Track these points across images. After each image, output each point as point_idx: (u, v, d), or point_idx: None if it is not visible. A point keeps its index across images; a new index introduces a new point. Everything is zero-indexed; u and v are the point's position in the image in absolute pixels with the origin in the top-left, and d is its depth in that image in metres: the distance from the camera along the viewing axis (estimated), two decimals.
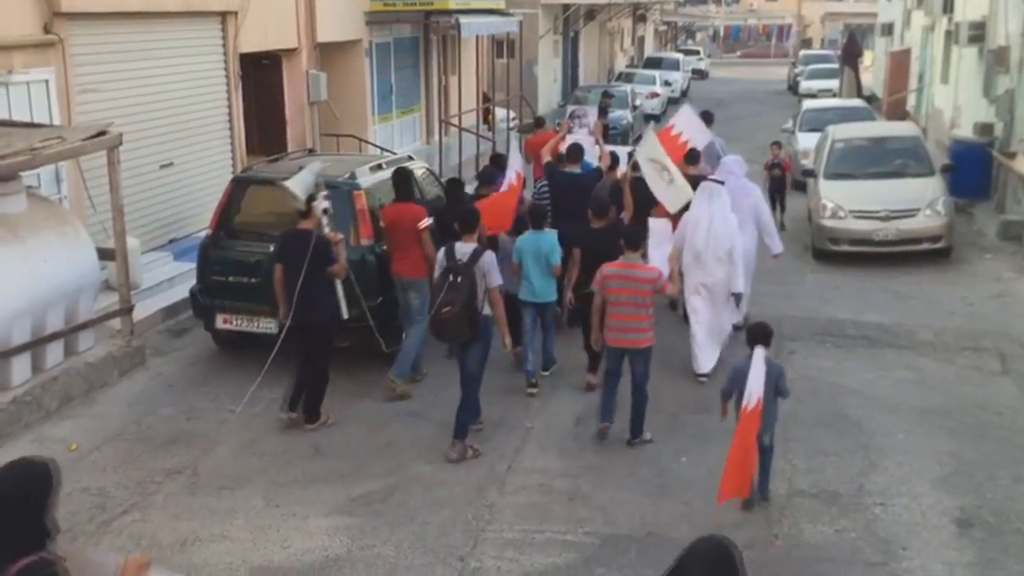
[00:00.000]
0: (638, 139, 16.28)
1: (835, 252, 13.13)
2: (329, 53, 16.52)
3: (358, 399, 8.43)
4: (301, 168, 9.18)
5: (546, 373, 9.03)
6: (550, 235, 8.79)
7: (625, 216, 9.58)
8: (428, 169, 11.13)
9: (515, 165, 10.16)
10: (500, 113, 22.83)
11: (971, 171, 15.48)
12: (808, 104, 21.92)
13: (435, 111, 20.60)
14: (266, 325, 8.88)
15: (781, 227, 14.47)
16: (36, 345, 8.20)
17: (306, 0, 15.40)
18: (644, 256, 7.80)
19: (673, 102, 33.71)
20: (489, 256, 7.37)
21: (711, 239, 8.96)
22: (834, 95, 27.79)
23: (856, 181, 13.70)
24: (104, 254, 9.13)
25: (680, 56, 43.03)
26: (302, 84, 15.59)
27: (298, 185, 7.97)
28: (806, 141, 17.68)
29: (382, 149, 15.44)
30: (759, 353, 6.31)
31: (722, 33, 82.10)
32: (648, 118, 27.50)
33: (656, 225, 9.57)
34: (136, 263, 10.21)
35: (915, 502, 6.72)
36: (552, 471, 7.24)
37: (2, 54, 9.57)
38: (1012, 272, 12.36)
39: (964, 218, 14.71)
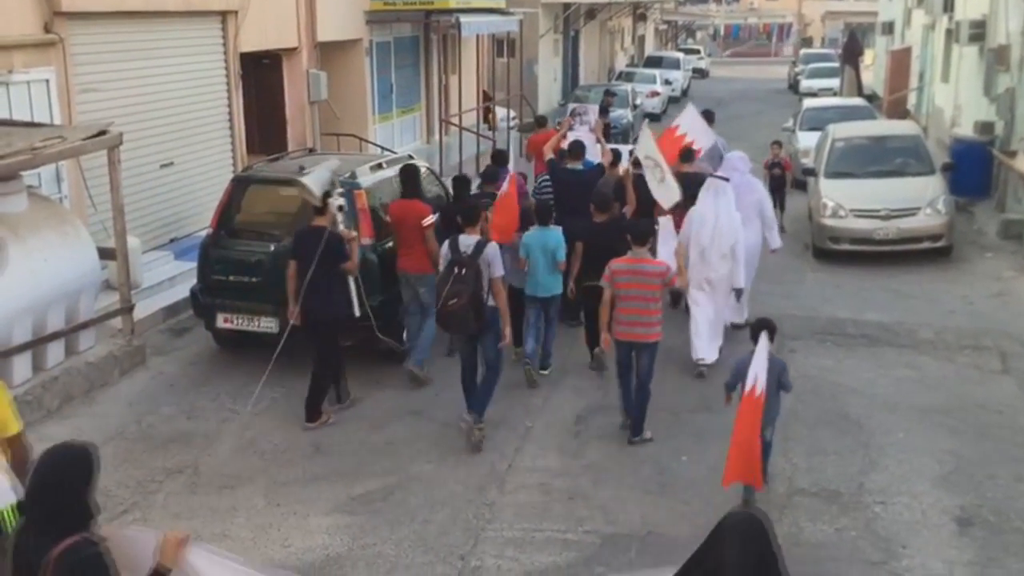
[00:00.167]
0: (638, 138, 16.29)
1: (835, 251, 13.13)
2: (329, 52, 16.52)
3: (355, 402, 8.43)
4: (302, 168, 9.21)
5: (545, 372, 9.06)
6: (556, 231, 8.91)
7: (628, 211, 9.64)
8: (428, 168, 11.14)
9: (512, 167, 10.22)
10: (500, 112, 22.83)
11: (971, 170, 15.47)
12: (808, 103, 21.90)
13: (435, 110, 20.60)
14: (266, 324, 8.90)
15: (780, 228, 14.49)
16: (37, 344, 8.21)
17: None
18: (652, 251, 7.83)
19: (674, 101, 33.73)
20: (492, 248, 7.54)
21: (716, 235, 9.06)
22: (835, 94, 27.81)
23: (857, 180, 13.70)
24: (105, 253, 9.14)
25: (680, 55, 42.99)
26: (302, 83, 15.59)
27: (315, 182, 8.03)
28: (806, 140, 17.67)
29: (382, 148, 15.44)
30: (764, 340, 6.37)
31: (722, 32, 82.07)
32: (648, 117, 27.58)
33: (661, 222, 9.65)
34: (137, 262, 10.22)
35: (915, 501, 6.73)
36: (552, 470, 7.25)
37: (3, 54, 9.57)
38: (1012, 271, 12.36)
39: (964, 217, 14.71)
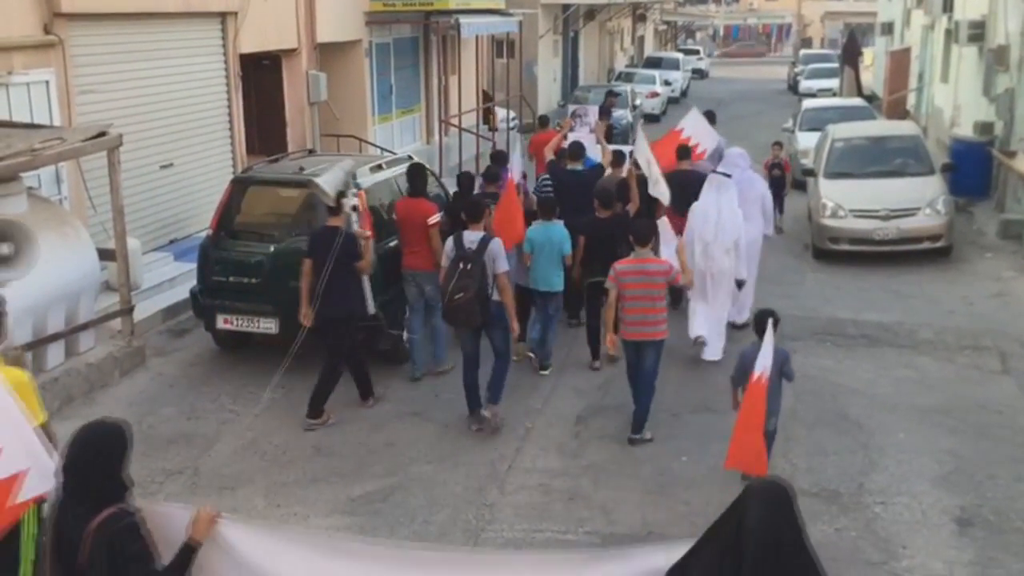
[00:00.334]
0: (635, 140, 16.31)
1: (835, 251, 13.12)
2: (329, 53, 16.53)
3: (357, 400, 8.43)
4: (302, 169, 9.27)
5: (545, 373, 9.10)
6: (560, 226, 8.98)
7: (631, 209, 9.73)
8: (428, 169, 11.14)
9: (516, 168, 10.34)
10: (500, 113, 22.84)
11: (971, 170, 15.47)
12: (808, 103, 21.90)
13: (435, 111, 20.61)
14: (266, 325, 8.90)
15: (779, 230, 14.52)
16: (37, 345, 8.22)
17: (306, 1, 15.41)
18: (655, 251, 7.93)
19: (673, 102, 33.73)
20: (496, 243, 7.66)
21: (719, 231, 9.25)
22: (834, 94, 27.80)
23: (856, 180, 13.70)
24: (105, 255, 9.15)
25: (680, 56, 43.02)
26: (302, 84, 15.59)
27: (328, 183, 8.09)
28: (806, 140, 17.67)
29: (382, 149, 15.44)
30: (770, 329, 6.39)
31: (722, 32, 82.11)
32: (643, 119, 27.58)
33: (660, 223, 9.69)
34: (137, 264, 10.22)
35: (915, 501, 6.73)
36: (552, 470, 7.25)
37: (2, 55, 9.58)
38: (1012, 271, 12.36)
39: (964, 217, 14.71)
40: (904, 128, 16.42)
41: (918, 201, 12.94)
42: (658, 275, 7.60)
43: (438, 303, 8.44)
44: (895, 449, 7.52)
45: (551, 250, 8.90)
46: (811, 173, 14.68)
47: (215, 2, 12.99)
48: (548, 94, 30.27)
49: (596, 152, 11.59)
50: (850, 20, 64.27)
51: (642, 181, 10.21)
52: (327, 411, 8.05)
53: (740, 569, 3.30)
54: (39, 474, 3.87)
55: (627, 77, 32.25)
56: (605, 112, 18.05)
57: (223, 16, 13.25)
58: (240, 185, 9.50)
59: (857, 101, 21.56)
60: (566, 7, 31.25)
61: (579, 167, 10.64)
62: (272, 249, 8.90)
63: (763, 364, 6.15)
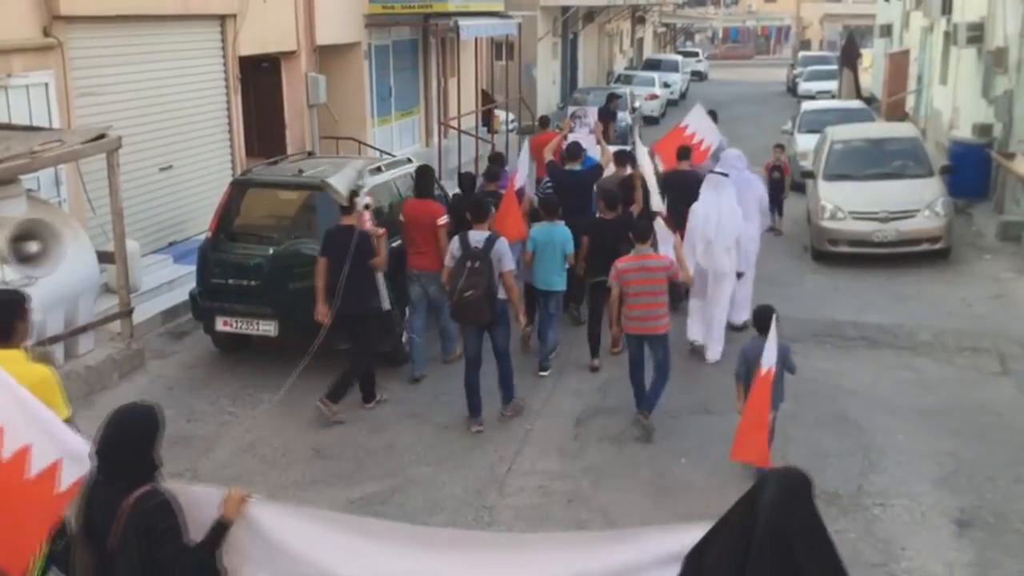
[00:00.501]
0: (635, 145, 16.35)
1: (834, 253, 13.13)
2: (328, 56, 16.54)
3: (358, 401, 8.43)
4: (301, 171, 9.29)
5: (544, 374, 9.14)
6: (562, 227, 9.10)
7: (635, 210, 9.84)
8: None
9: (521, 171, 10.55)
10: (500, 115, 22.84)
11: (970, 172, 15.47)
12: (807, 105, 21.91)
13: (434, 113, 20.62)
14: (265, 328, 8.90)
15: (778, 232, 14.55)
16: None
17: (305, 3, 15.42)
18: (654, 247, 8.18)
19: (672, 104, 33.74)
20: (502, 242, 7.83)
21: (720, 229, 9.42)
22: (833, 96, 27.80)
23: (855, 182, 13.70)
24: (104, 257, 9.14)
25: (679, 58, 43.04)
26: (301, 87, 15.60)
27: (341, 182, 8.22)
28: (805, 142, 17.67)
29: (381, 151, 15.45)
30: (774, 323, 6.58)
31: (721, 35, 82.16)
32: (645, 120, 27.61)
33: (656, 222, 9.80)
34: (136, 266, 10.22)
35: (915, 502, 6.73)
36: (552, 473, 7.25)
37: (2, 57, 9.58)
38: (1011, 273, 12.36)
39: (963, 219, 14.72)
40: (903, 130, 16.42)
41: (917, 203, 12.94)
42: (659, 271, 7.79)
43: (444, 303, 8.58)
44: (894, 451, 7.52)
45: (553, 250, 9.02)
46: (810, 175, 14.68)
47: (214, 4, 13.00)
48: (547, 96, 30.27)
49: (596, 152, 11.70)
50: (849, 22, 64.32)
51: (642, 182, 10.38)
52: (337, 409, 8.09)
53: (748, 552, 3.35)
54: (73, 461, 3.98)
55: (626, 79, 32.23)
56: (609, 114, 18.17)
57: (222, 19, 13.26)
58: (239, 187, 9.50)
59: (856, 103, 21.58)
60: (565, 9, 31.27)
61: (577, 167, 10.75)
62: (271, 251, 8.90)
63: (769, 360, 6.32)
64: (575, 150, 10.89)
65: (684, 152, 11.18)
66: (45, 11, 10.06)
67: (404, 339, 9.12)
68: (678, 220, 9.76)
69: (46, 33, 10.12)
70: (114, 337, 9.33)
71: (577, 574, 3.77)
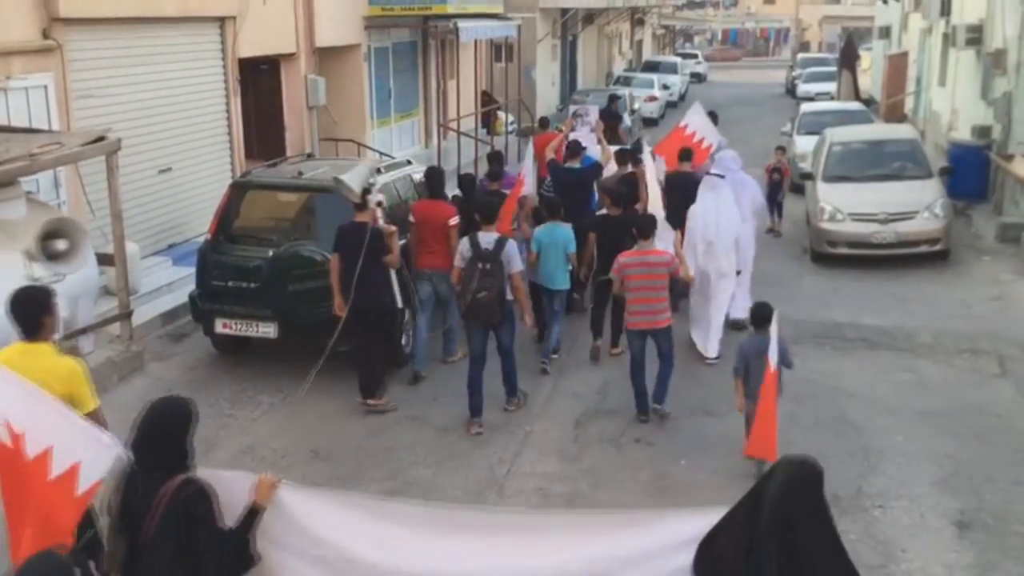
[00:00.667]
0: (636, 141, 16.39)
1: (833, 255, 13.13)
2: (328, 58, 16.54)
3: (358, 404, 8.43)
4: (301, 173, 9.31)
5: (553, 356, 9.40)
6: (565, 227, 9.28)
7: (640, 207, 10.01)
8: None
9: (528, 175, 10.73)
10: (500, 116, 22.85)
11: (969, 174, 15.46)
12: (806, 107, 21.93)
13: (434, 115, 20.62)
14: (265, 330, 8.90)
15: (777, 234, 14.56)
16: None
17: (305, 5, 15.43)
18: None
19: (671, 106, 33.74)
20: (512, 244, 7.99)
21: (719, 230, 9.61)
22: (832, 98, 27.82)
23: (854, 184, 13.70)
24: (103, 259, 9.14)
25: (678, 59, 43.06)
26: (301, 89, 15.61)
27: (353, 180, 8.32)
28: (804, 144, 17.68)
29: (380, 153, 15.46)
30: (776, 320, 6.73)
31: (720, 36, 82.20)
32: (644, 122, 27.62)
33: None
34: (135, 268, 10.22)
35: (914, 504, 6.73)
36: (551, 475, 7.25)
37: (1, 60, 9.58)
38: (1010, 274, 12.36)
39: (962, 220, 14.72)
40: (902, 132, 16.44)
41: (916, 205, 12.95)
42: (660, 266, 7.99)
43: (452, 302, 8.84)
44: (894, 452, 7.52)
45: (556, 250, 9.18)
46: (809, 177, 14.69)
47: (214, 6, 13.01)
48: (547, 98, 30.26)
49: (597, 151, 11.95)
50: (848, 24, 64.31)
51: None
52: (384, 398, 8.36)
53: (753, 542, 3.44)
54: (93, 462, 4.06)
55: (625, 81, 32.26)
56: (614, 115, 18.35)
57: (222, 20, 13.27)
58: (239, 189, 9.50)
59: (855, 105, 21.59)
60: (564, 11, 31.27)
61: (576, 165, 11.04)
62: (271, 253, 8.90)
63: (774, 356, 6.47)
64: (575, 148, 11.19)
65: (686, 153, 11.30)
66: (44, 13, 10.06)
67: (403, 341, 9.12)
68: (678, 221, 9.83)
69: (45, 35, 10.12)
70: (113, 339, 9.33)
71: (596, 556, 3.87)
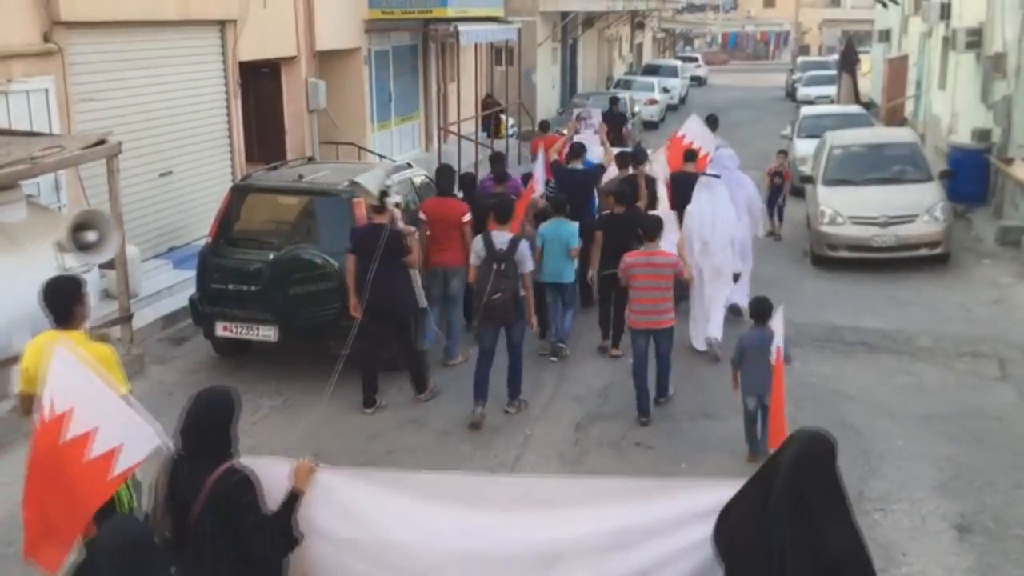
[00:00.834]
0: (637, 145, 16.43)
1: (833, 258, 13.13)
2: (328, 61, 16.56)
3: (358, 406, 8.43)
4: (301, 176, 9.34)
5: (562, 345, 9.62)
6: (568, 223, 9.48)
7: (641, 206, 10.18)
8: (427, 176, 11.17)
9: (538, 177, 10.94)
10: (502, 119, 22.88)
11: (969, 177, 15.48)
12: (806, 110, 21.94)
13: (434, 118, 20.64)
14: (265, 333, 8.91)
15: (778, 236, 14.57)
16: None
17: (305, 8, 15.45)
18: None
19: (672, 109, 33.76)
20: (525, 245, 8.13)
21: (715, 228, 9.78)
22: (832, 101, 27.85)
23: (854, 187, 13.71)
24: (104, 262, 9.14)
25: (678, 63, 43.09)
26: (301, 92, 15.62)
27: (371, 182, 8.56)
28: (804, 147, 17.69)
29: (381, 156, 15.48)
30: (780, 313, 6.93)
31: (720, 40, 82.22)
32: (645, 125, 27.64)
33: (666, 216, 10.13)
34: (136, 271, 10.23)
35: (915, 508, 6.72)
36: None
37: (2, 63, 9.60)
38: (1010, 278, 12.37)
39: (962, 224, 14.73)
40: (902, 135, 16.45)
41: (916, 208, 12.95)
42: (666, 267, 8.13)
43: (458, 299, 9.14)
44: (894, 456, 7.52)
45: (559, 245, 9.35)
46: (809, 180, 14.70)
47: (214, 10, 13.02)
48: (547, 101, 30.28)
49: (600, 153, 12.25)
50: (848, 27, 64.30)
51: (651, 181, 10.75)
52: (432, 386, 8.64)
53: (767, 510, 3.55)
54: (132, 447, 4.20)
55: (626, 84, 32.29)
56: (619, 116, 18.48)
57: (222, 24, 13.29)
58: (239, 193, 9.50)
59: (855, 108, 21.60)
60: (565, 15, 31.29)
61: (579, 166, 11.31)
62: (271, 257, 8.90)
63: (777, 346, 6.70)
64: (578, 149, 11.44)
65: (690, 154, 11.44)
66: (45, 17, 10.08)
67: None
68: (679, 220, 10.04)
69: (46, 39, 10.13)
70: (114, 342, 9.30)
71: (622, 527, 4.00)
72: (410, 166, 11.20)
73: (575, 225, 9.50)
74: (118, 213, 9.07)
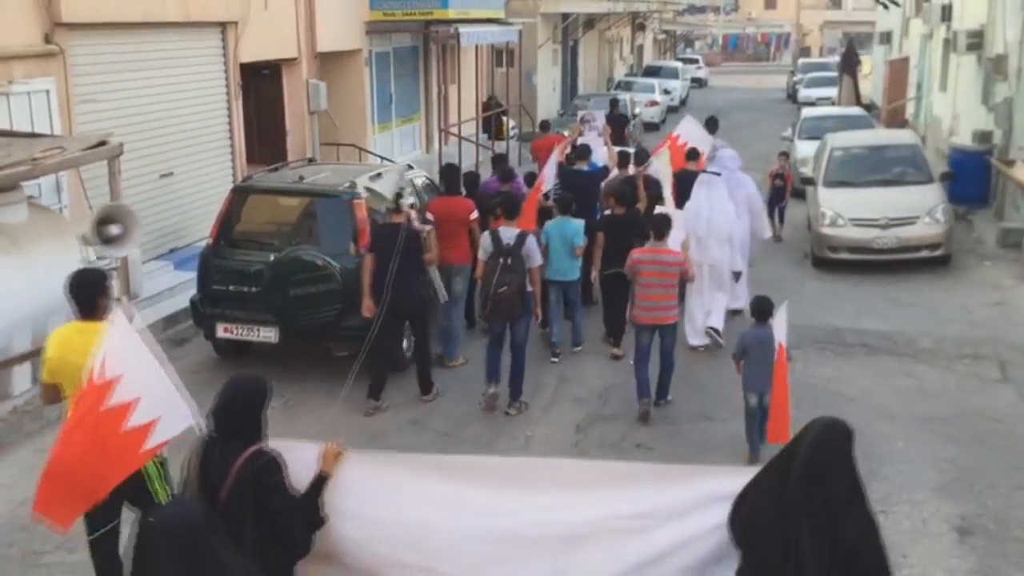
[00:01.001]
0: (638, 146, 16.46)
1: (834, 260, 13.13)
2: (329, 62, 16.57)
3: (358, 408, 8.43)
4: (302, 178, 9.36)
5: (577, 349, 9.73)
6: (573, 222, 9.57)
7: (641, 207, 10.24)
8: (428, 178, 11.21)
9: (550, 175, 11.01)
10: (504, 121, 22.89)
11: (970, 179, 15.48)
12: (807, 112, 21.95)
13: (435, 120, 20.64)
14: (266, 334, 8.91)
15: (778, 238, 14.58)
16: (37, 355, 8.16)
17: (306, 10, 15.46)
18: None
19: (672, 110, 33.75)
20: (532, 240, 8.30)
21: (711, 225, 9.90)
22: (833, 103, 27.85)
23: (855, 189, 13.71)
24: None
25: (679, 64, 43.08)
26: (302, 94, 15.63)
27: (386, 184, 8.83)
28: (805, 149, 17.69)
29: (382, 158, 15.48)
30: (783, 310, 6.98)
31: (721, 42, 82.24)
32: (645, 126, 27.65)
33: (674, 213, 10.19)
34: (136, 272, 10.22)
35: (915, 510, 6.72)
36: None
37: (3, 64, 9.60)
38: (1011, 279, 12.36)
39: (963, 226, 14.72)
40: (903, 137, 16.45)
41: (917, 210, 12.95)
42: (673, 265, 8.26)
43: (460, 299, 9.28)
44: (895, 458, 7.52)
45: (564, 243, 9.45)
46: (810, 182, 14.71)
47: (215, 11, 13.03)
48: (547, 103, 30.29)
49: (603, 154, 12.32)
50: (848, 29, 64.35)
51: (651, 182, 10.81)
52: (435, 386, 8.65)
53: (784, 495, 3.62)
54: (168, 422, 4.36)
55: (626, 86, 32.29)
56: (621, 117, 18.56)
57: (223, 25, 13.29)
58: (240, 194, 9.51)
59: (856, 110, 21.60)
60: (565, 16, 31.30)
61: (584, 167, 11.44)
62: (272, 258, 8.90)
63: (780, 337, 6.81)
64: (583, 151, 11.60)
65: (693, 154, 11.56)
66: (47, 18, 10.08)
67: (405, 345, 9.14)
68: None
69: (48, 40, 10.13)
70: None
71: (640, 511, 4.09)
72: (411, 168, 11.21)
73: (580, 223, 9.59)
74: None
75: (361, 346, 8.67)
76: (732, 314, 10.22)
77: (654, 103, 30.63)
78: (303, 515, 4.13)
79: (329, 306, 8.49)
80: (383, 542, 4.26)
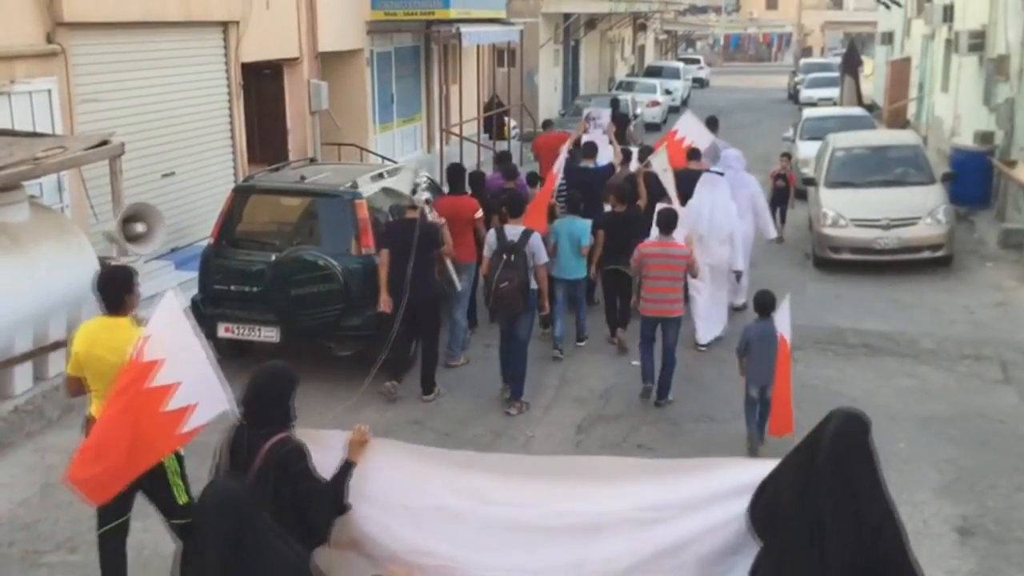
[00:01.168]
0: (640, 146, 16.46)
1: (836, 261, 13.13)
2: (330, 62, 16.56)
3: (359, 408, 8.42)
4: (303, 177, 9.37)
5: (581, 344, 9.94)
6: (580, 221, 9.68)
7: (641, 204, 10.32)
8: (428, 178, 11.21)
9: (559, 174, 11.06)
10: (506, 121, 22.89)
11: (972, 179, 15.47)
12: (808, 112, 21.94)
13: (436, 120, 20.64)
14: (268, 334, 8.91)
15: (780, 239, 14.57)
16: (38, 354, 8.21)
17: (307, 10, 15.45)
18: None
19: (674, 111, 33.74)
20: (536, 237, 8.37)
21: (712, 224, 9.99)
22: (834, 104, 27.84)
23: (857, 190, 13.70)
24: (105, 263, 9.14)
25: (680, 65, 43.07)
26: (303, 93, 15.62)
27: (401, 182, 8.94)
28: (807, 149, 17.68)
29: (383, 158, 15.48)
30: (786, 303, 7.16)
31: (722, 42, 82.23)
32: (647, 127, 27.67)
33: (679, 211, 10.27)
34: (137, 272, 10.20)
35: (916, 510, 6.71)
36: None
37: (5, 64, 9.60)
38: (1013, 280, 12.36)
39: (965, 226, 14.72)
40: (904, 137, 16.45)
41: (919, 210, 12.95)
42: (681, 259, 8.38)
43: (465, 296, 9.34)
44: (896, 458, 7.49)
45: (570, 241, 9.55)
46: (812, 182, 14.70)
47: (217, 11, 13.03)
48: (549, 103, 30.29)
49: (608, 152, 12.36)
50: (850, 30, 64.37)
51: (651, 179, 10.77)
52: (436, 386, 8.68)
53: (808, 481, 3.71)
54: (204, 408, 4.49)
55: (628, 86, 32.29)
56: (622, 116, 18.63)
57: (225, 25, 13.29)
58: (242, 194, 9.51)
59: (857, 110, 21.61)
60: (567, 16, 31.31)
61: (591, 165, 11.52)
62: (273, 258, 8.90)
63: (783, 329, 6.95)
64: (589, 149, 11.67)
65: (694, 153, 11.61)
66: (48, 18, 10.08)
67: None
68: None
69: (49, 39, 10.13)
70: None
71: (662, 502, 4.20)
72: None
73: (587, 222, 9.66)
74: (120, 214, 9.07)
75: (360, 346, 8.71)
76: (734, 310, 10.32)
77: (655, 103, 30.63)
78: (328, 501, 4.23)
79: (330, 306, 8.49)
80: (407, 529, 4.33)
